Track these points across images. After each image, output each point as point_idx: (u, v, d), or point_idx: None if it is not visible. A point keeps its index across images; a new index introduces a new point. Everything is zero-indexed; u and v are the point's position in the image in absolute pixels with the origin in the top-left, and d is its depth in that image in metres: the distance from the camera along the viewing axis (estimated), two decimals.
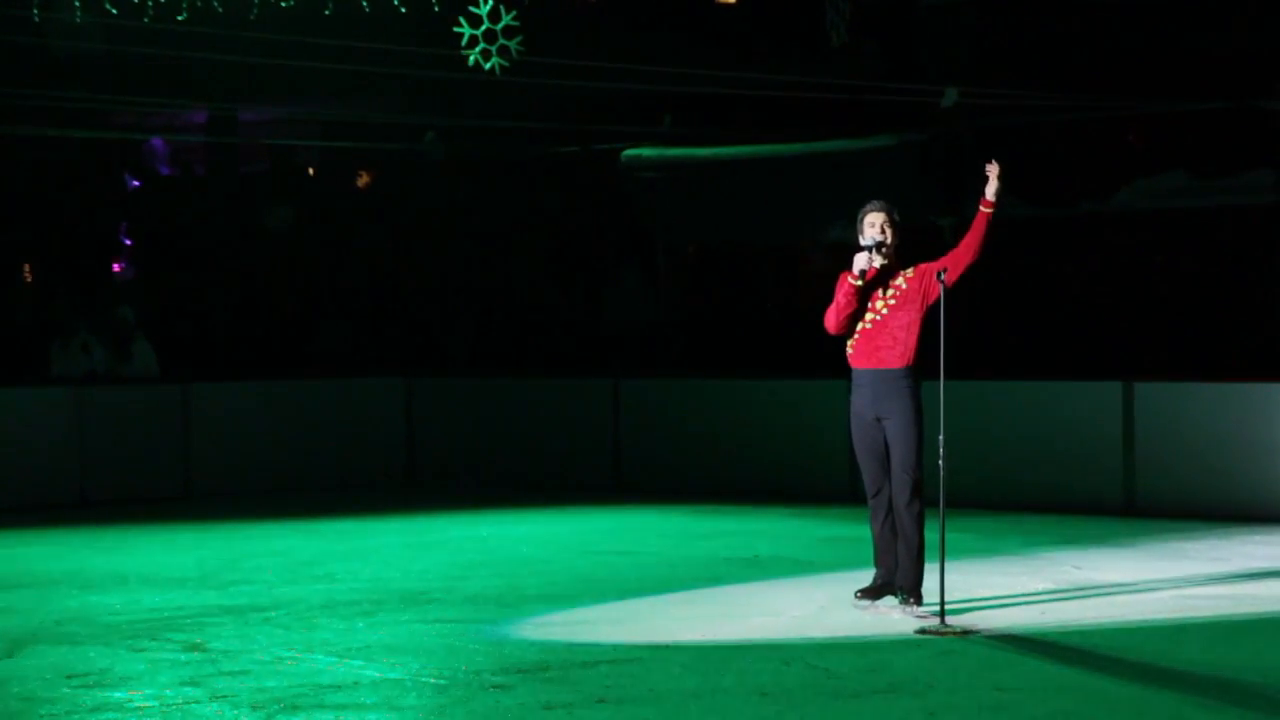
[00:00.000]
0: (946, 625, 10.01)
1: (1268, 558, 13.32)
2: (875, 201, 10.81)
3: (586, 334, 22.68)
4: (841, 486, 17.69)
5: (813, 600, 11.28)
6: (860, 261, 10.59)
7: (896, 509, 10.66)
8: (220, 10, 14.78)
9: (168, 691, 8.72)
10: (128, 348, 19.27)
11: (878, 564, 10.89)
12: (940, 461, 10.30)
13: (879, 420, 10.66)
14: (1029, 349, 20.30)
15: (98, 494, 18.05)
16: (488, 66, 14.73)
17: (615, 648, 9.72)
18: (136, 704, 8.43)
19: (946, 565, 10.26)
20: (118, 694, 8.65)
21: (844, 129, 21.33)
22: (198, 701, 8.48)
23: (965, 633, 9.93)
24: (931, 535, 10.40)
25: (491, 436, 19.88)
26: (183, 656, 9.65)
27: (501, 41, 14.69)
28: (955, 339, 10.54)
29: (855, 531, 15.19)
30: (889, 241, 10.63)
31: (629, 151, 22.77)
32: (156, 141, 24.41)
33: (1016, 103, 20.08)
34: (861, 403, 10.74)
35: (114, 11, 14.68)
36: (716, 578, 12.47)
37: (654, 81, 19.62)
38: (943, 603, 10.15)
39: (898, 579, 10.72)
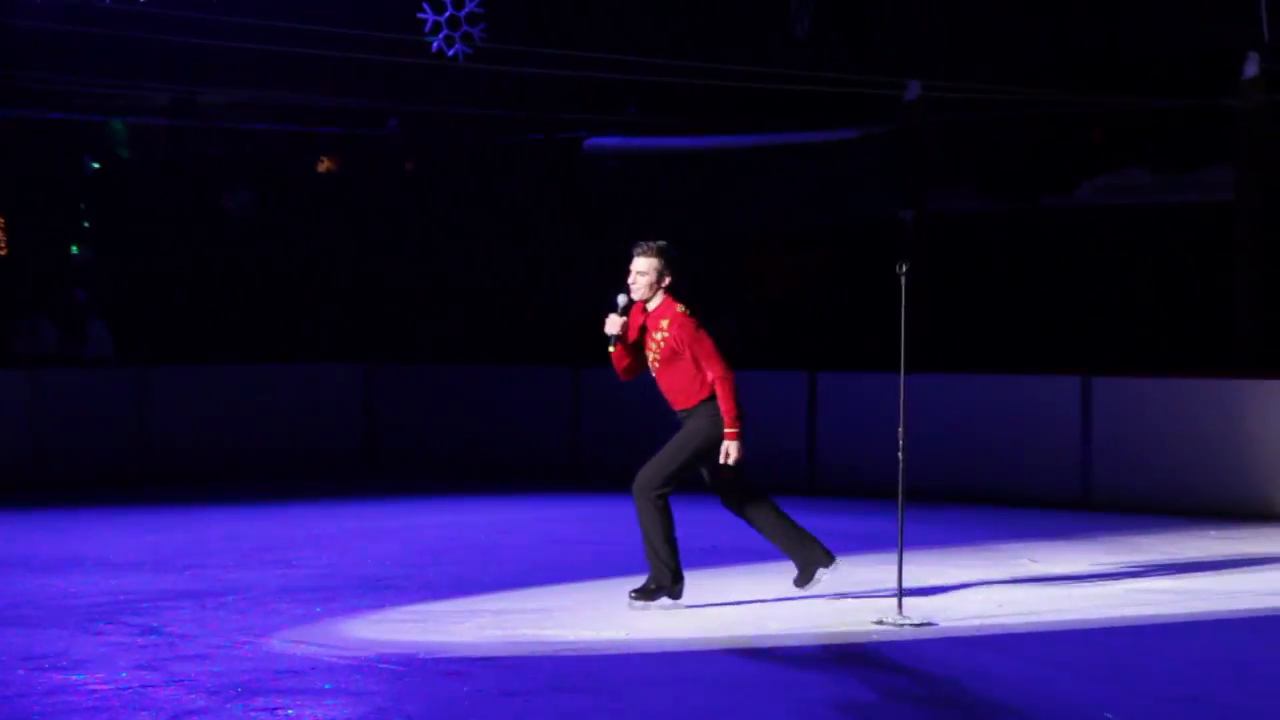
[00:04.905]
0: (904, 616, 10.03)
1: (1222, 552, 13.40)
2: (640, 244, 10.51)
3: (547, 321, 22.64)
4: (801, 478, 17.75)
5: (769, 589, 11.29)
6: (610, 327, 10.48)
7: (732, 505, 10.85)
8: None
9: (123, 674, 8.68)
10: (82, 329, 19.18)
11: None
12: (900, 454, 10.32)
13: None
14: (988, 342, 20.35)
15: (52, 476, 17.96)
16: (451, 53, 14.70)
17: (575, 636, 9.71)
18: (92, 687, 8.39)
19: (905, 556, 10.29)
20: (73, 677, 8.61)
21: (807, 120, 21.34)
22: (154, 685, 8.44)
23: (922, 624, 9.96)
24: (888, 525, 10.42)
25: (452, 423, 19.85)
26: (139, 640, 9.61)
27: (465, 28, 14.66)
28: (915, 331, 10.54)
29: (813, 522, 15.22)
30: (650, 293, 10.40)
31: (592, 140, 22.74)
32: (117, 123, 24.26)
33: (979, 96, 20.12)
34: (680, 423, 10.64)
35: None
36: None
37: (618, 70, 19.60)
38: (900, 593, 10.17)
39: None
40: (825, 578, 10.68)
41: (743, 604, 10.82)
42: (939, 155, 21.40)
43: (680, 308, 10.40)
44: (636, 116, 22.53)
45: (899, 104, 20.86)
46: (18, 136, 21.76)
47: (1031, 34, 21.31)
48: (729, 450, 10.38)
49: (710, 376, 10.35)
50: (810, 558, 10.68)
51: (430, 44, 14.85)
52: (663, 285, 10.42)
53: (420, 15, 14.69)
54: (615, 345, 10.47)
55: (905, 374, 10.25)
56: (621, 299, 10.48)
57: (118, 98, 22.92)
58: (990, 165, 21.31)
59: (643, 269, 10.42)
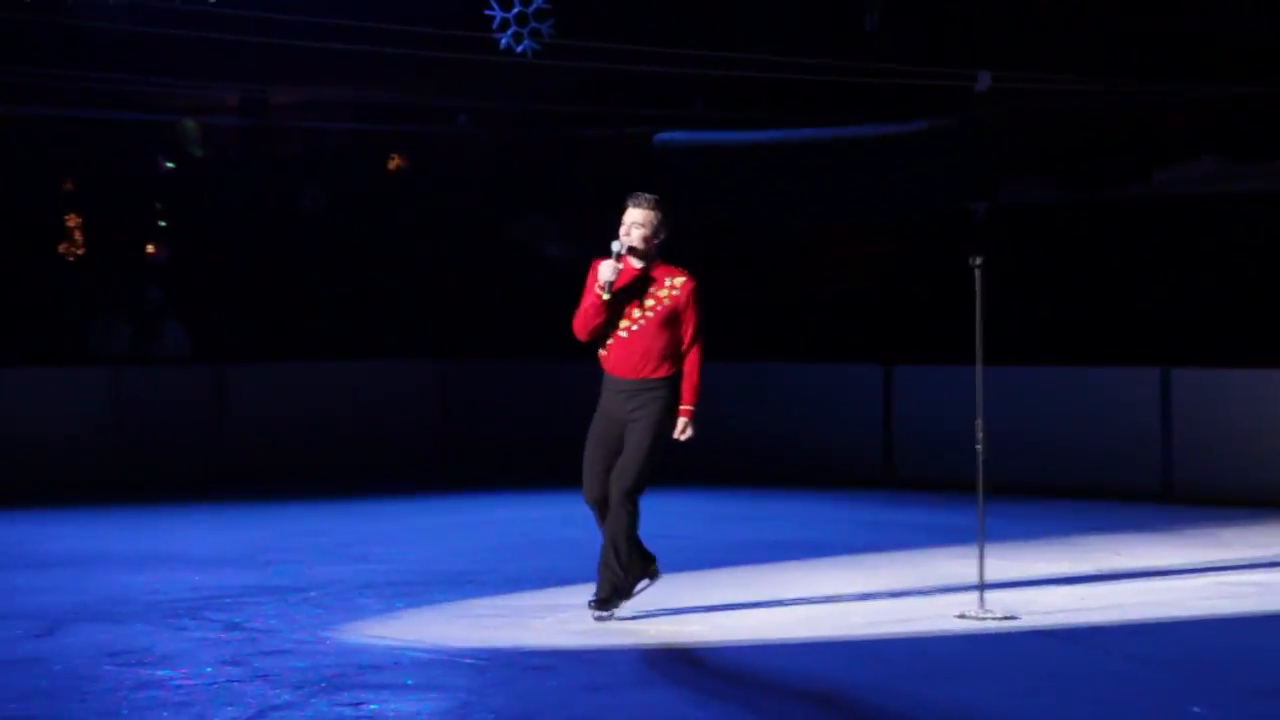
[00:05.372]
0: (986, 610, 9.98)
1: None
2: (637, 195, 9.92)
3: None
4: (877, 471, 17.72)
5: (852, 584, 11.26)
6: (605, 272, 9.72)
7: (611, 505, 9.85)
8: None
9: (208, 669, 8.73)
10: (158, 329, 19.31)
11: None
12: (978, 447, 10.28)
13: (626, 422, 9.83)
14: (1064, 334, 20.23)
15: (133, 474, 18.08)
16: (519, 49, 14.71)
17: (658, 630, 9.70)
18: (178, 682, 8.44)
19: (986, 550, 10.24)
20: (159, 672, 8.66)
21: (877, 113, 21.26)
22: (239, 680, 8.48)
23: (1005, 618, 9.90)
24: (966, 519, 10.36)
25: (527, 418, 19.87)
26: (223, 636, 9.67)
27: (533, 24, 14.67)
28: (989, 324, 10.48)
29: (891, 515, 15.19)
30: (645, 246, 9.78)
31: (661, 135, 22.72)
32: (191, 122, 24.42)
33: (1050, 87, 20.00)
34: (612, 405, 9.89)
35: None
36: (752, 561, 12.46)
37: (687, 65, 19.58)
38: (982, 587, 10.12)
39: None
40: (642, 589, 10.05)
41: (825, 600, 10.77)
42: (1011, 146, 21.29)
43: (685, 273, 9.84)
44: (705, 111, 22.49)
45: (970, 95, 20.76)
46: (93, 137, 21.93)
47: (1101, 23, 21.16)
48: (686, 428, 9.80)
49: (693, 347, 9.78)
50: (632, 583, 9.92)
51: (499, 40, 14.85)
52: (657, 241, 9.81)
53: (489, 12, 14.70)
54: (607, 293, 9.70)
55: (983, 366, 10.20)
56: (617, 245, 9.76)
57: (190, 97, 23.08)
58: (1062, 156, 21.17)
59: (640, 220, 9.79)
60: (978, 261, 10.25)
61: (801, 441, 18.26)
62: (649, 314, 9.79)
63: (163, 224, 23.71)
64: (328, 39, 17.63)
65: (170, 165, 24.01)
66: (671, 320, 9.77)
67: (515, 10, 14.58)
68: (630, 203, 9.88)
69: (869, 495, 16.42)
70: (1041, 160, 21.37)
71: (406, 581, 11.52)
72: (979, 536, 10.19)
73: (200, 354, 19.60)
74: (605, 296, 9.73)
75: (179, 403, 18.73)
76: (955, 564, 11.66)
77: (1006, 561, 11.83)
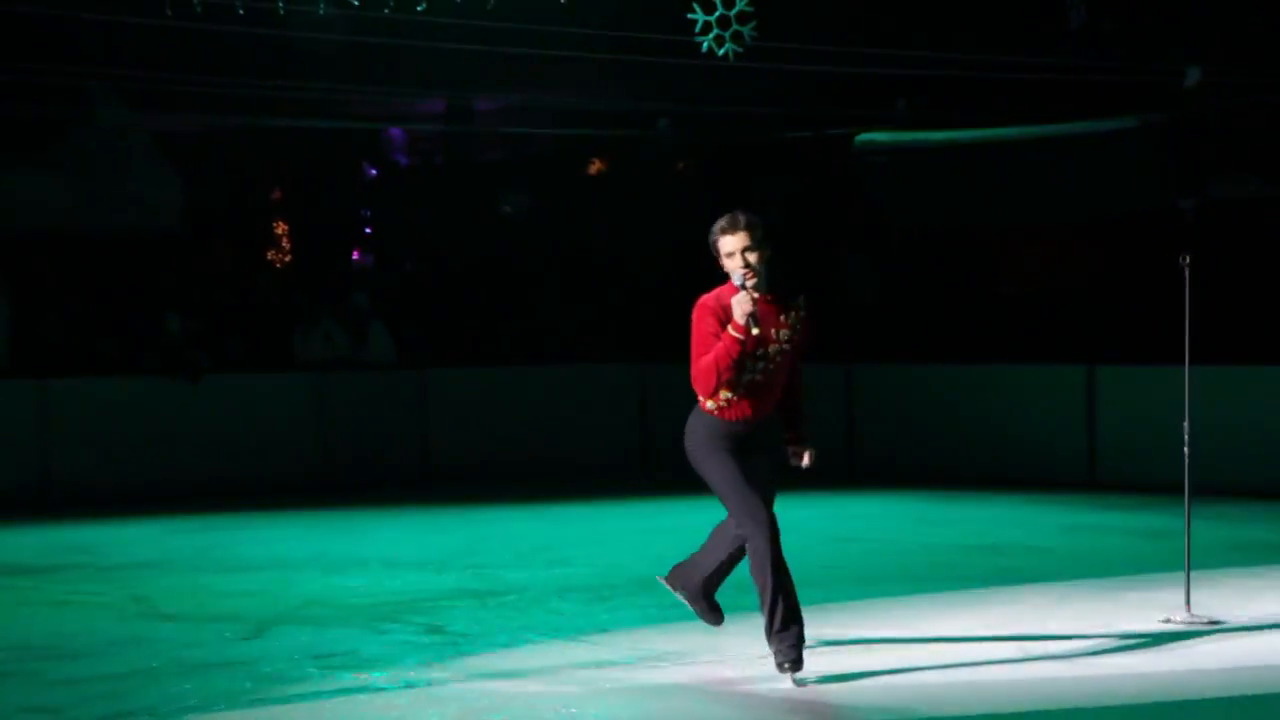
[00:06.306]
0: (1192, 614, 9.79)
1: None
2: (734, 215, 8.55)
3: (818, 319, 22.57)
4: (1082, 473, 17.50)
5: (1052, 591, 11.12)
6: (745, 305, 8.34)
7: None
8: (458, 0, 14.94)
9: (410, 672, 8.83)
10: (364, 334, 19.60)
11: (790, 627, 8.40)
12: (1185, 449, 10.10)
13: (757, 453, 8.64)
14: (1274, 333, 19.79)
15: (338, 478, 18.37)
16: (721, 52, 14.69)
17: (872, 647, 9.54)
18: (380, 685, 8.55)
19: (1192, 553, 10.06)
20: (363, 675, 8.78)
21: (1084, 110, 20.97)
22: (442, 683, 8.57)
23: (1211, 622, 9.71)
24: (1171, 522, 10.15)
25: None
26: (424, 639, 9.78)
27: (735, 27, 14.64)
28: (1198, 323, 10.28)
29: (1095, 519, 14.97)
30: (763, 273, 8.48)
31: (862, 136, 22.61)
32: (395, 131, 24.78)
33: (1261, 81, 19.59)
34: (740, 446, 8.60)
35: (356, 3, 14.92)
36: (958, 571, 12.36)
37: (889, 65, 19.45)
38: (1188, 591, 9.94)
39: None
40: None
41: (1026, 603, 10.63)
42: (1220, 142, 20.89)
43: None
44: (907, 111, 22.34)
45: (1178, 91, 20.40)
46: (300, 146, 22.33)
47: None
48: (814, 456, 8.76)
49: (799, 374, 8.76)
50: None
51: (700, 44, 14.87)
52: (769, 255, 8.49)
53: (690, 15, 14.72)
54: (755, 328, 8.38)
55: (1190, 367, 10.02)
56: (750, 281, 8.42)
57: (396, 105, 23.42)
58: (1273, 152, 20.72)
59: (750, 243, 8.44)
60: (1186, 260, 10.06)
61: (1003, 444, 18.09)
62: (785, 346, 8.53)
63: (368, 230, 24.07)
64: (529, 44, 17.79)
65: (374, 172, 24.38)
66: (794, 356, 8.64)
67: (717, 13, 14.55)
68: (730, 227, 8.47)
69: (1071, 497, 16.20)
70: (1252, 156, 20.94)
71: (604, 585, 11.56)
72: (1186, 539, 10.01)
73: (404, 359, 19.85)
74: (754, 332, 8.38)
75: (384, 407, 18.98)
76: (1159, 569, 11.46)
77: (1213, 566, 11.59)
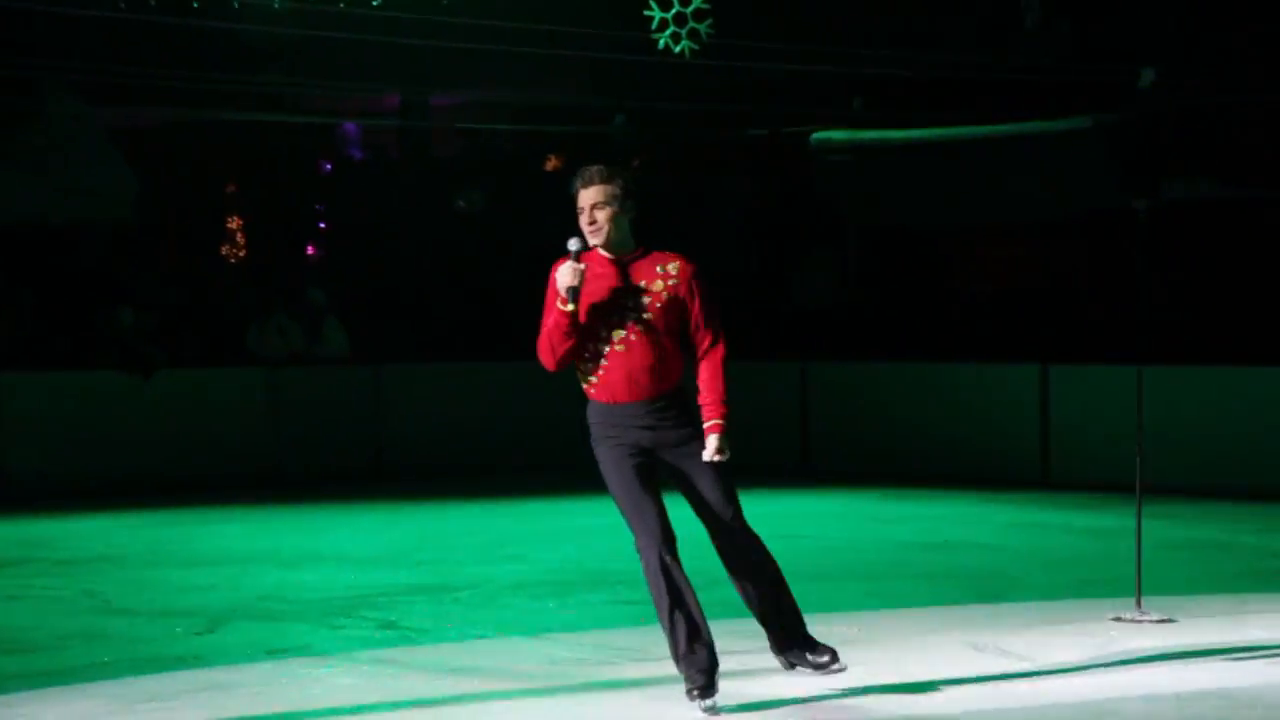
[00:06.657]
0: (1143, 612, 9.83)
1: None
2: (584, 170, 7.67)
3: (773, 317, 22.61)
4: (1034, 472, 17.58)
5: (1003, 589, 11.16)
6: (566, 277, 7.50)
7: (739, 542, 8.03)
8: None
9: (365, 666, 8.82)
10: (319, 329, 19.55)
11: (695, 648, 7.56)
12: (1137, 448, 10.16)
13: (669, 449, 7.70)
14: (1226, 333, 19.91)
15: (292, 473, 18.33)
16: (677, 49, 14.70)
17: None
18: (334, 680, 8.53)
19: (1143, 551, 10.13)
20: (316, 670, 8.76)
21: (1037, 110, 21.05)
22: (393, 677, 8.56)
23: (1162, 620, 9.74)
24: (1122, 521, 10.20)
25: None
26: (379, 634, 9.77)
27: (692, 24, 14.66)
28: (1150, 323, 10.34)
29: (1047, 518, 15.03)
30: (614, 230, 7.62)
31: (819, 134, 22.65)
32: (350, 126, 24.72)
33: (1214, 83, 19.70)
34: (631, 438, 7.64)
35: None
36: (911, 569, 12.38)
37: (844, 63, 19.50)
38: (1139, 589, 9.98)
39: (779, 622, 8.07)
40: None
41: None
42: (1174, 143, 20.99)
43: (679, 256, 7.71)
44: (863, 110, 22.38)
45: (1132, 92, 20.49)
46: (253, 140, 22.26)
47: (1268, 17, 20.80)
48: (723, 448, 7.65)
49: (714, 347, 7.71)
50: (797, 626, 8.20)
51: (657, 41, 14.87)
52: (629, 218, 7.66)
53: (647, 12, 14.73)
54: (573, 302, 7.51)
55: (1142, 366, 10.07)
56: (575, 243, 7.61)
57: (351, 100, 23.35)
58: (1227, 153, 20.83)
59: (600, 199, 7.60)
60: (1137, 257, 10.11)
61: (956, 442, 18.16)
62: (646, 314, 7.59)
63: (322, 225, 24.01)
64: (485, 40, 17.77)
65: (329, 167, 24.32)
66: (677, 316, 7.64)
67: (674, 10, 14.57)
68: (579, 183, 7.65)
69: (1025, 496, 16.27)
70: (1205, 157, 21.06)
71: (558, 581, 11.57)
72: (1137, 537, 10.06)
73: (359, 354, 19.81)
74: (570, 308, 7.50)
75: (338, 402, 18.95)
76: (1111, 566, 11.52)
77: (1165, 564, 11.64)
